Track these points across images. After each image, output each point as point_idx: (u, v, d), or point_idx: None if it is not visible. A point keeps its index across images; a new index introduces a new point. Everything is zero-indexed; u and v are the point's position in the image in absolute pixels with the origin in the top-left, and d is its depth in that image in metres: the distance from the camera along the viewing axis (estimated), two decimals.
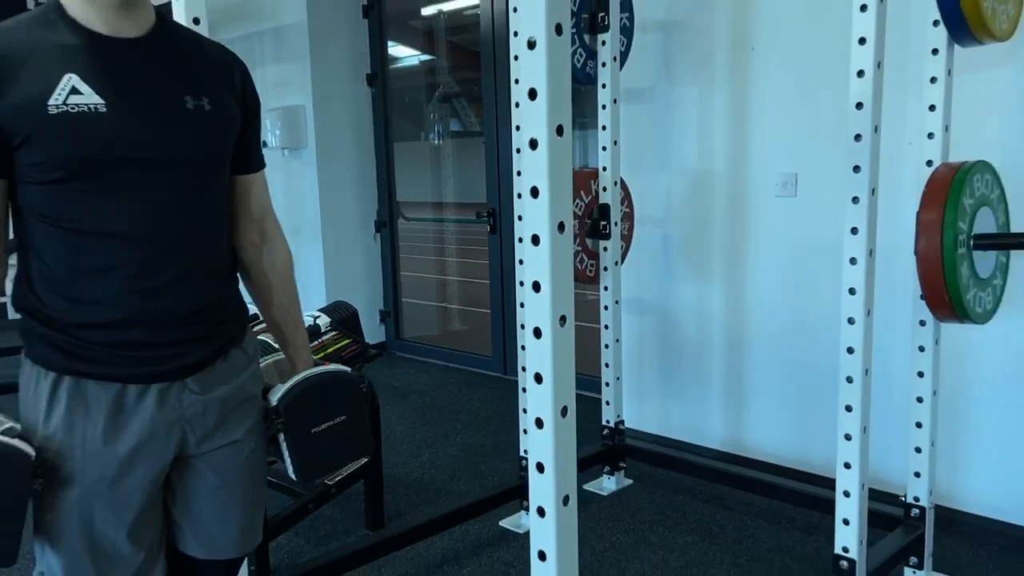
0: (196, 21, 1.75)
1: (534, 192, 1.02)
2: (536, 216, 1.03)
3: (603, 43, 2.69)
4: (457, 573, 2.40)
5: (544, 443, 1.11)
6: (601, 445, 2.92)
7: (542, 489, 1.13)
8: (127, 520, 1.21)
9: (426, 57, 5.20)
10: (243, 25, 4.82)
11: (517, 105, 2.37)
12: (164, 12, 1.32)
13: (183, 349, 1.22)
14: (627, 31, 2.91)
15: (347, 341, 2.49)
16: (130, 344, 1.18)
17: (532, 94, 1.00)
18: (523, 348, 2.10)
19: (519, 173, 2.37)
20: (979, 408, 2.48)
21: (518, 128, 2.38)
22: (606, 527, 2.64)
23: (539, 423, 1.13)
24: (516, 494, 2.66)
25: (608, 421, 2.91)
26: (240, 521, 1.35)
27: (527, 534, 2.62)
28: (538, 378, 1.11)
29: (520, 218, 2.37)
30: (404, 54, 5.18)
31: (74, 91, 1.11)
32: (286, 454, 1.36)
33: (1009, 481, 2.45)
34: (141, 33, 1.20)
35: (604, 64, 2.70)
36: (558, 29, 0.99)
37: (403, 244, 4.99)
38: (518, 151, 2.40)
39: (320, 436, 1.37)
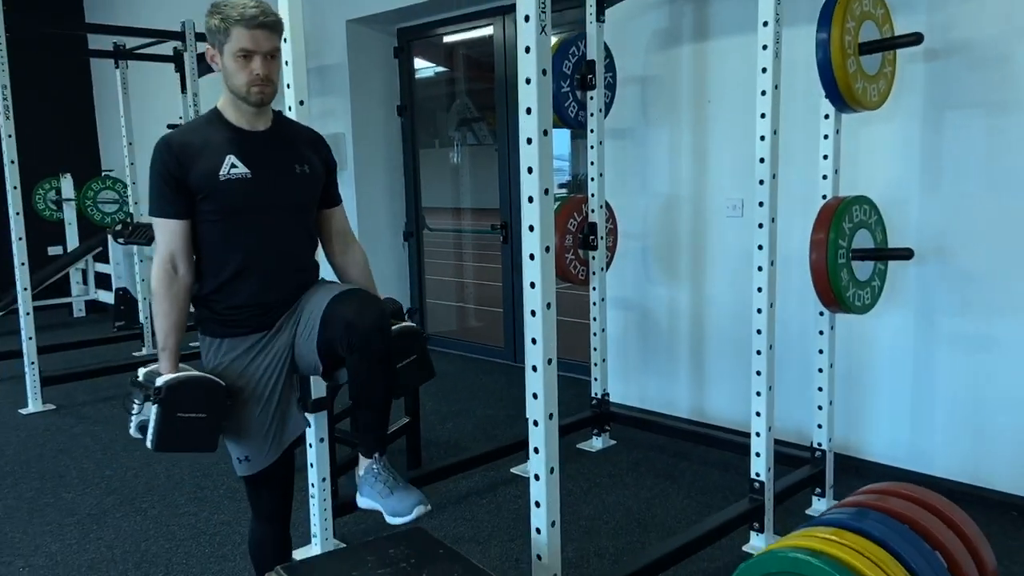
0: (301, 102, 2.54)
1: (529, 170, 1.80)
2: (529, 185, 1.80)
3: (591, 98, 3.47)
4: (477, 503, 3.18)
5: (537, 381, 1.89)
6: (591, 412, 3.69)
7: (536, 408, 1.91)
8: (272, 405, 1.96)
9: (443, 68, 5.95)
10: None
11: None
12: (278, 112, 2.09)
13: (281, 313, 1.98)
14: (611, 86, 3.68)
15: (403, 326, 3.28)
16: (256, 315, 1.94)
17: (528, 111, 1.77)
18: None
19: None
20: (873, 377, 3.24)
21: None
22: (593, 474, 3.41)
23: (534, 368, 1.90)
24: (524, 446, 3.43)
25: (596, 394, 3.69)
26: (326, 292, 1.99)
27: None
28: (533, 341, 1.89)
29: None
30: (422, 66, 5.90)
31: (233, 166, 1.89)
32: None
33: (896, 434, 3.20)
34: (266, 127, 1.98)
35: (592, 114, 3.47)
36: (543, 72, 1.76)
37: (426, 250, 5.78)
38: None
39: (401, 370, 2.07)
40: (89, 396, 4.75)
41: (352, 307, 1.89)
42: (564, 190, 5.27)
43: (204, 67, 5.30)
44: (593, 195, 3.52)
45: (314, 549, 2.72)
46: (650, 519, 2.98)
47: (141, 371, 1.94)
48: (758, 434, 2.68)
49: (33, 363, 4.49)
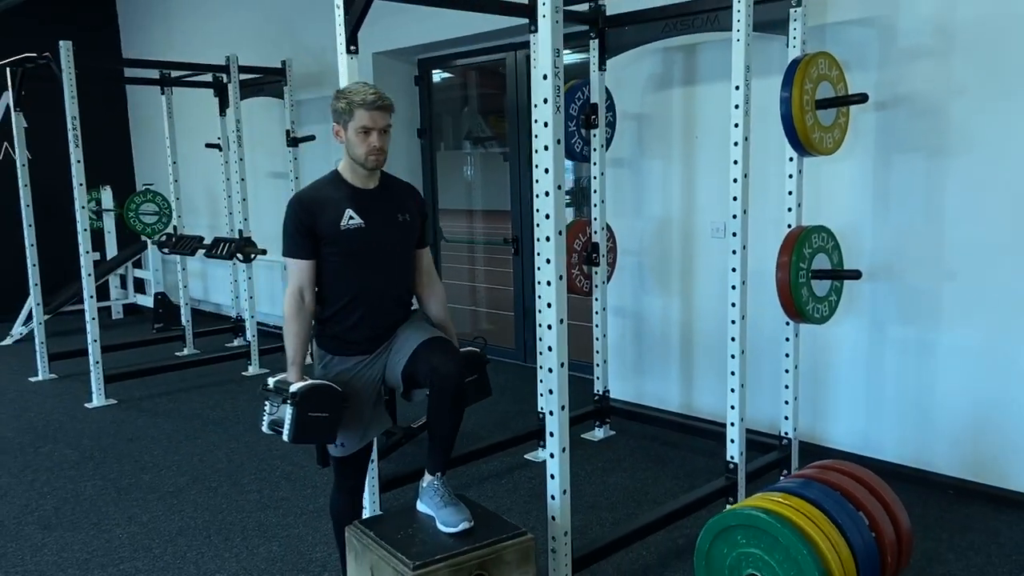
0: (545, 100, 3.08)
1: (547, 216, 2.35)
2: (545, 227, 2.36)
3: (594, 135, 4.02)
4: (496, 483, 3.73)
5: (553, 380, 2.44)
6: (593, 407, 4.25)
7: (552, 401, 2.46)
8: (368, 408, 2.51)
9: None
10: (319, 90, 6.16)
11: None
12: (384, 173, 2.57)
13: (386, 333, 2.55)
14: (612, 124, 4.23)
15: None
16: (363, 341, 2.50)
17: (544, 124, 2.31)
18: (540, 339, 3.45)
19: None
20: (833, 376, 3.79)
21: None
22: (595, 459, 3.96)
23: (550, 370, 2.46)
24: (535, 435, 3.99)
25: (598, 391, 4.24)
26: (415, 334, 2.51)
27: (543, 463, 3.95)
28: (549, 348, 2.44)
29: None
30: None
31: (351, 217, 2.43)
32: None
33: (852, 425, 3.75)
34: (375, 186, 2.52)
35: (595, 149, 4.02)
36: (545, 100, 2.30)
37: (443, 254, 6.34)
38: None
39: (467, 384, 2.55)
40: (145, 392, 5.31)
41: (438, 355, 2.44)
42: (568, 198, 5.82)
43: (245, 92, 5.86)
44: (595, 219, 4.07)
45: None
46: (643, 496, 3.54)
47: (271, 380, 2.47)
48: (732, 424, 3.24)
49: (98, 362, 5.06)
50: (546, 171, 2.43)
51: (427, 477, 2.51)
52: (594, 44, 3.96)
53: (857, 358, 3.73)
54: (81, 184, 4.91)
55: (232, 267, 6.50)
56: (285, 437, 2.37)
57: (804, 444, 3.64)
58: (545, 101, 2.41)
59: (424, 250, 2.68)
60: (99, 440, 4.43)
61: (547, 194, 2.44)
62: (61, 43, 4.81)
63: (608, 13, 3.93)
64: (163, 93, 6.21)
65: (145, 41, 8.07)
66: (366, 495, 3.27)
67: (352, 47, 3.07)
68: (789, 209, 3.36)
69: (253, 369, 5.76)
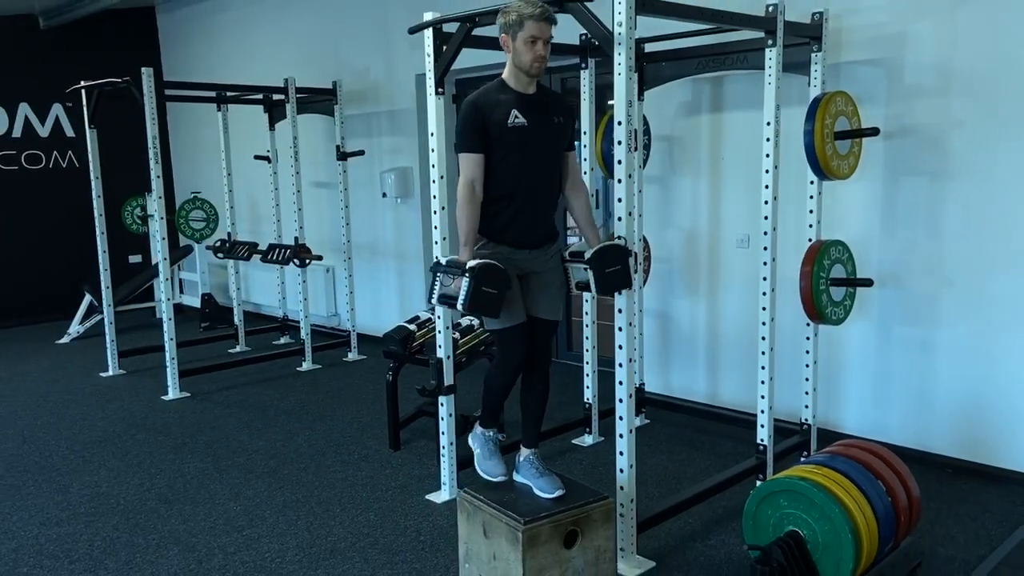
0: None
1: (618, 198, 2.87)
2: (618, 207, 2.88)
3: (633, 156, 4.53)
4: (551, 465, 4.21)
5: (623, 373, 2.96)
6: None
7: (622, 391, 2.98)
8: (515, 291, 2.94)
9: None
10: (363, 107, 6.66)
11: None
12: (540, 83, 3.05)
13: (537, 237, 3.00)
14: (647, 146, 4.74)
15: (487, 334, 4.36)
16: (517, 232, 2.94)
17: (618, 161, 2.84)
18: (586, 338, 3.98)
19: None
20: (846, 371, 4.32)
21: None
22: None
23: (620, 365, 2.98)
24: (581, 423, 4.51)
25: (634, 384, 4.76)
26: (550, 304, 3.07)
27: (590, 447, 4.50)
28: (620, 347, 2.96)
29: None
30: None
31: (516, 117, 2.89)
32: (592, 282, 2.87)
33: (862, 412, 4.29)
34: (534, 92, 2.98)
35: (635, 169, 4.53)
36: (620, 142, 2.82)
37: None
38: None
39: (610, 274, 2.88)
40: (213, 386, 5.81)
41: (545, 346, 3.06)
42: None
43: (279, 114, 6.36)
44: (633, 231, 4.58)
45: (444, 494, 3.80)
46: (682, 474, 4.06)
47: (442, 259, 2.93)
48: (762, 411, 3.76)
49: (173, 358, 5.55)
50: (619, 200, 2.96)
51: (524, 451, 3.03)
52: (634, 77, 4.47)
53: (866, 354, 4.26)
54: (161, 197, 5.40)
55: (280, 271, 6.99)
56: (459, 306, 2.76)
57: (819, 430, 4.17)
58: (619, 143, 2.94)
59: (572, 152, 3.10)
60: (186, 428, 4.93)
61: (620, 220, 2.98)
62: (143, 70, 5.29)
63: (647, 50, 4.44)
64: (219, 110, 6.70)
65: (187, 59, 8.53)
66: (443, 472, 3.80)
67: (440, 89, 3.55)
68: (810, 225, 3.88)
69: (307, 365, 6.26)
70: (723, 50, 4.13)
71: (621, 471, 3.10)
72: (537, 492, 2.90)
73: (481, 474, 3.22)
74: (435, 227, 3.67)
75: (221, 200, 7.34)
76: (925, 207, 3.98)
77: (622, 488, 3.09)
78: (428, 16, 3.48)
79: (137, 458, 4.45)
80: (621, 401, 3.05)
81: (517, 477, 3.03)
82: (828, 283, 3.79)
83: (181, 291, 8.60)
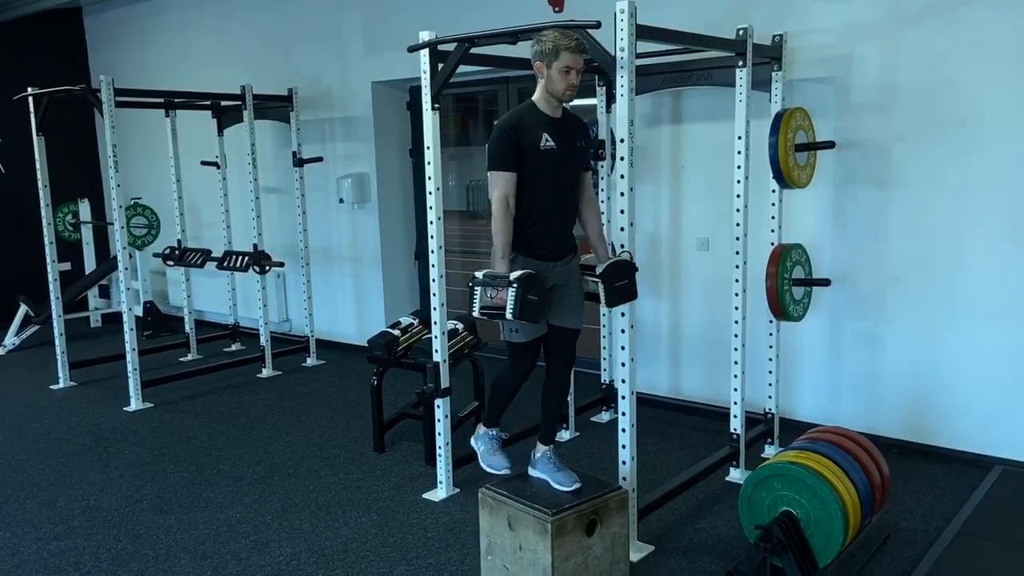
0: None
1: (620, 209, 3.11)
2: (619, 218, 3.11)
3: (602, 165, 4.78)
4: (572, 438, 4.47)
5: (625, 372, 3.19)
6: (600, 394, 5.02)
7: (624, 388, 3.22)
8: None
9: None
10: (317, 113, 6.70)
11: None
12: (565, 107, 3.22)
13: (562, 251, 3.19)
14: (613, 155, 4.98)
15: (471, 337, 4.53)
16: (544, 246, 3.13)
17: (620, 176, 3.07)
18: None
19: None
20: (801, 363, 4.69)
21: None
22: (603, 439, 4.73)
23: (623, 364, 3.21)
24: (601, 402, 4.79)
25: (604, 380, 5.02)
26: (574, 313, 3.27)
27: (606, 423, 4.79)
28: (623, 348, 3.19)
29: None
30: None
31: (546, 140, 3.08)
32: (603, 295, 3.07)
33: (817, 401, 4.66)
34: (561, 115, 3.16)
35: (603, 178, 4.79)
36: (622, 158, 3.05)
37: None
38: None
39: (619, 287, 3.16)
40: (174, 396, 5.76)
41: (568, 352, 3.28)
42: None
43: (228, 120, 6.37)
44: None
45: (441, 492, 3.95)
46: (659, 464, 4.33)
47: (479, 273, 3.03)
48: (735, 403, 4.07)
49: (136, 369, 5.49)
50: (621, 211, 3.19)
51: (540, 448, 3.23)
52: (601, 91, 4.73)
53: (820, 347, 4.63)
54: (121, 206, 5.33)
55: (230, 277, 6.95)
56: (509, 315, 2.92)
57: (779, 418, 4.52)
58: (622, 159, 3.17)
59: (588, 173, 3.33)
60: (159, 439, 4.90)
61: (622, 229, 3.21)
62: (102, 77, 5.22)
63: None
64: (167, 116, 6.61)
65: (118, 63, 8.28)
66: (440, 471, 3.96)
67: (436, 105, 3.70)
68: (772, 230, 4.21)
69: (267, 372, 6.27)
70: (688, 67, 4.42)
71: (624, 463, 3.33)
72: (555, 486, 3.10)
73: (487, 468, 3.48)
74: (431, 236, 3.81)
75: (163, 206, 7.26)
76: (871, 213, 4.36)
77: (624, 479, 3.33)
78: (424, 35, 3.62)
79: (118, 470, 4.42)
80: (624, 398, 3.28)
81: (533, 472, 3.22)
82: (791, 283, 4.12)
83: (113, 298, 8.39)
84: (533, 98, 3.17)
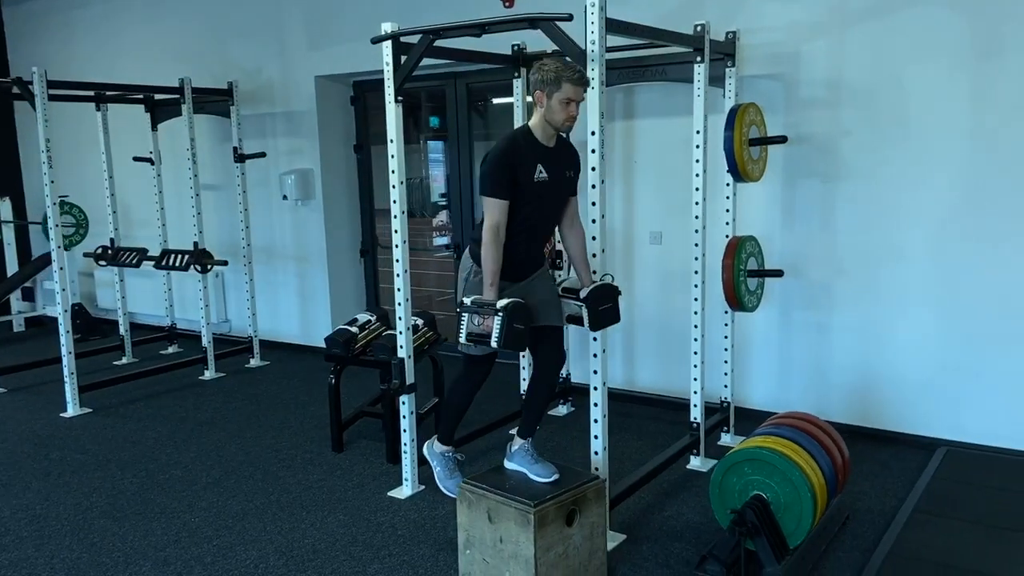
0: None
1: (592, 202, 3.13)
2: (591, 210, 3.14)
3: None
4: (493, 456, 4.43)
5: (597, 363, 3.22)
6: (558, 388, 5.04)
7: (596, 379, 3.24)
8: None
9: None
10: (256, 108, 6.54)
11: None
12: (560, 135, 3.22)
13: (532, 269, 3.21)
14: None
15: (431, 333, 4.49)
16: (516, 267, 3.13)
17: (592, 168, 3.10)
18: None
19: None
20: (753, 353, 4.81)
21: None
22: (567, 430, 4.76)
23: (595, 355, 3.23)
24: (517, 415, 4.71)
25: (562, 374, 5.04)
26: (554, 308, 3.27)
27: (563, 416, 4.92)
28: (594, 356, 3.22)
29: None
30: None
31: (540, 171, 3.07)
32: (586, 319, 3.13)
33: (768, 389, 4.79)
34: (553, 145, 3.16)
35: None
36: (594, 150, 3.07)
37: (381, 259, 6.89)
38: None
39: (603, 311, 3.21)
40: (113, 400, 5.54)
41: (557, 347, 3.33)
42: None
43: (173, 111, 6.16)
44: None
45: (406, 490, 3.91)
46: (621, 455, 4.38)
47: (467, 300, 3.01)
48: (695, 392, 4.14)
49: (73, 373, 5.26)
50: (593, 204, 3.22)
51: (519, 441, 3.22)
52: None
53: (770, 337, 4.76)
54: (55, 203, 5.10)
55: (166, 277, 6.72)
56: (494, 343, 2.92)
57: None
58: (593, 151, 3.19)
59: (574, 197, 3.32)
60: (102, 445, 4.70)
61: (593, 221, 3.23)
62: (34, 69, 5.00)
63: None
64: (99, 110, 6.35)
65: (40, 56, 7.92)
66: (405, 469, 3.92)
67: (399, 98, 3.65)
68: (727, 223, 4.30)
69: (210, 374, 6.08)
70: (643, 63, 4.48)
71: (596, 453, 3.36)
72: (533, 477, 3.10)
73: (445, 492, 3.54)
74: (395, 230, 3.76)
75: (90, 205, 6.98)
76: (819, 205, 4.50)
77: (597, 469, 3.35)
78: (387, 27, 3.57)
79: (61, 478, 4.23)
80: (596, 389, 3.30)
81: (510, 465, 3.21)
82: (746, 274, 4.22)
83: (38, 301, 8.03)
84: (530, 124, 3.15)
